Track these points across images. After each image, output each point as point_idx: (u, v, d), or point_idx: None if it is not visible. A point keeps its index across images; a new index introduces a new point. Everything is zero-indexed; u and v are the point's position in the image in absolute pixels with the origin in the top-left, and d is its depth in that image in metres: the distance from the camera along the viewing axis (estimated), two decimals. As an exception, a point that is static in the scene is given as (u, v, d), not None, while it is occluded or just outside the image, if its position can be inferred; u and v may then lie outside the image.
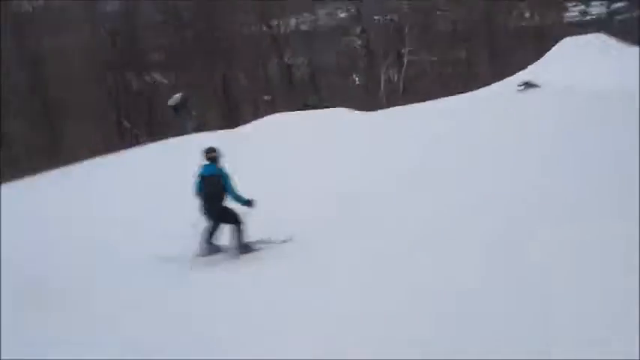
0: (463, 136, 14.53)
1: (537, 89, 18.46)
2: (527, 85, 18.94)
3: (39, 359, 5.04)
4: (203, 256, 9.28)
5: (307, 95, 40.38)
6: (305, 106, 23.68)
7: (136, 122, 36.81)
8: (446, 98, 20.59)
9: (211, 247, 9.39)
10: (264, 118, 20.66)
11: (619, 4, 73.45)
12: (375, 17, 46.44)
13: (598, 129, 13.15)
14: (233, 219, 9.23)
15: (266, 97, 40.36)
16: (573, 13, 73.09)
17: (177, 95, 23.85)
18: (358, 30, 46.57)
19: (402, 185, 11.36)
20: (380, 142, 14.86)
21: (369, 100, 40.44)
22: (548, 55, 36.65)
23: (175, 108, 23.24)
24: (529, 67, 35.67)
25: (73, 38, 38.83)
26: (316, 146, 15.46)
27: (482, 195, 9.72)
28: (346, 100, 33.80)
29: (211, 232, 9.37)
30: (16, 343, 5.94)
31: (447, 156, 12.91)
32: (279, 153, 15.32)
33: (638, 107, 13.79)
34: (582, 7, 76.08)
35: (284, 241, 9.45)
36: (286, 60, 42.46)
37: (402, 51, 42.39)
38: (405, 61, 42.30)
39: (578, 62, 30.61)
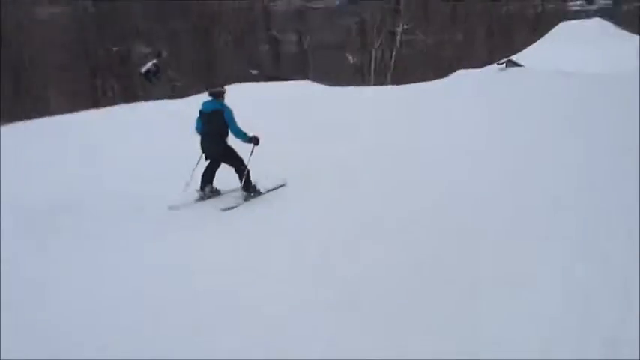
0: (409, 113, 13.72)
1: (519, 69, 16.56)
2: (510, 63, 16.99)
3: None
4: (202, 199, 8.80)
5: (296, 71, 38.83)
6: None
7: (114, 88, 35.12)
8: (429, 81, 18.55)
9: (211, 190, 8.90)
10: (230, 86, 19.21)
11: None
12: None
13: (561, 107, 12.55)
14: (237, 161, 8.73)
15: (253, 71, 38.56)
16: (579, 1, 72.00)
17: (150, 62, 22.52)
18: (353, 8, 44.66)
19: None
20: (329, 113, 13.49)
21: (358, 78, 39.18)
22: (544, 38, 34.87)
23: (146, 75, 21.85)
24: (525, 50, 34.18)
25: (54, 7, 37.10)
26: (273, 112, 14.29)
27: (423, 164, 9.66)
28: (337, 77, 32.44)
29: (211, 174, 8.87)
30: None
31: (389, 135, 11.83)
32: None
33: (621, 88, 13.12)
34: None
35: (280, 186, 9.14)
36: (275, 34, 40.35)
37: (397, 29, 40.32)
38: (398, 40, 40.30)
39: (572, 45, 28.88)
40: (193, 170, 8.74)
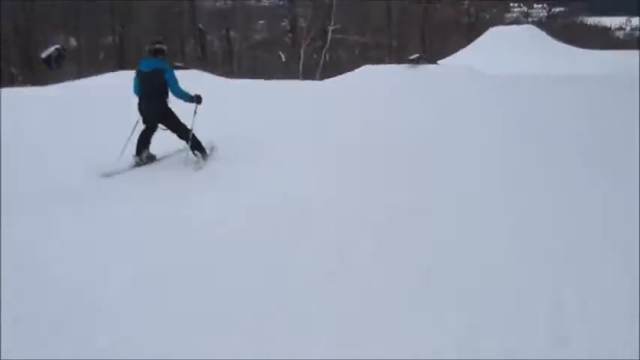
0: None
1: (431, 66, 14.67)
2: (422, 60, 15.03)
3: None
4: (139, 165, 8.19)
5: (223, 66, 36.64)
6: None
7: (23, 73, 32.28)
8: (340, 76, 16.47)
9: (148, 155, 8.34)
10: (115, 73, 17.17)
11: (559, 9, 73.63)
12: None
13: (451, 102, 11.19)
14: (181, 126, 8.21)
15: (178, 64, 35.98)
16: (515, 14, 72.66)
17: (52, 47, 20.38)
18: (288, 7, 43.03)
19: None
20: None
21: (288, 76, 37.42)
22: (474, 43, 33.63)
23: (47, 61, 19.67)
24: (456, 53, 32.98)
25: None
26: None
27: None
28: (266, 74, 30.69)
29: (147, 138, 8.25)
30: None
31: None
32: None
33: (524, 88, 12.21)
34: (524, 9, 76.18)
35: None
36: (201, 27, 37.84)
37: (328, 28, 38.53)
38: (329, 39, 38.47)
39: (500, 50, 27.54)
40: (129, 138, 8.11)
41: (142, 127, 8.21)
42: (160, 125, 8.21)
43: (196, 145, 8.19)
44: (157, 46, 8.17)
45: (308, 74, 37.00)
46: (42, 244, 5.35)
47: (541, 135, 8.95)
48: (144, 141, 8.21)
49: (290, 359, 3.74)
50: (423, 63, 14.86)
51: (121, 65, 34.87)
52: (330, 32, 38.58)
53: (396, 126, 9.79)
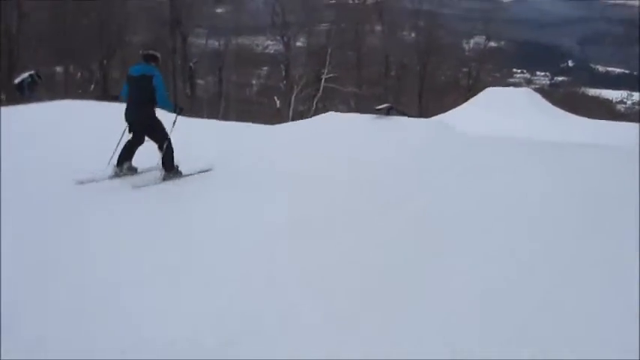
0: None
1: (401, 118, 12.57)
2: (392, 111, 12.89)
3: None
4: (118, 176, 7.92)
5: (211, 110, 34.89)
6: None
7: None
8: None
9: (129, 167, 8.07)
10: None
11: (561, 78, 72.97)
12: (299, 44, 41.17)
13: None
14: (161, 134, 7.91)
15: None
16: (518, 79, 71.70)
17: (25, 74, 18.89)
18: (283, 53, 41.66)
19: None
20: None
21: (280, 122, 35.71)
22: (468, 102, 31.65)
23: (19, 87, 18.08)
24: (449, 112, 31.03)
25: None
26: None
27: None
28: (260, 119, 29.07)
29: (131, 149, 8.01)
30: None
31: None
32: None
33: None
34: (527, 75, 75.69)
35: (205, 171, 8.39)
36: (192, 65, 36.17)
37: (321, 76, 36.96)
38: (322, 87, 36.80)
39: (492, 110, 25.49)
40: (117, 144, 7.99)
41: (128, 136, 7.95)
42: (145, 136, 7.95)
43: (168, 163, 7.91)
44: (150, 52, 7.97)
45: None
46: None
47: (495, 194, 7.21)
48: (127, 152, 7.96)
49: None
50: (394, 114, 12.72)
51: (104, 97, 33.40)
52: (323, 80, 36.81)
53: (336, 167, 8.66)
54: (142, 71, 7.70)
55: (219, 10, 40.08)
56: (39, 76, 20.01)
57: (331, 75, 37.51)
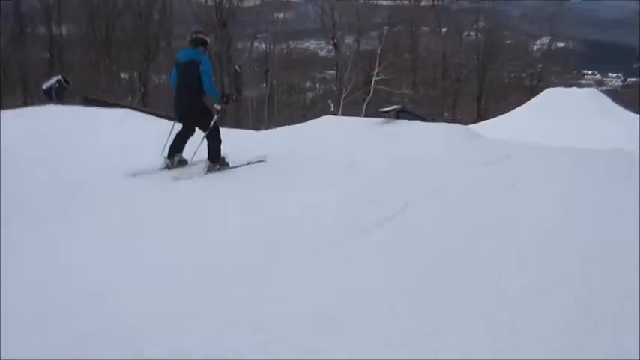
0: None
1: (408, 123, 10.32)
2: (399, 113, 10.66)
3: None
4: (169, 168, 7.43)
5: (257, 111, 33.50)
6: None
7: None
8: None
9: (180, 160, 7.56)
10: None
11: (633, 79, 67.89)
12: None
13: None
14: (208, 123, 7.30)
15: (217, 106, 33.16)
16: (588, 81, 67.42)
17: (53, 79, 17.99)
18: (333, 56, 40.01)
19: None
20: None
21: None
22: (526, 104, 28.68)
23: (48, 92, 17.19)
24: (502, 115, 28.30)
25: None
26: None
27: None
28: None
29: (182, 141, 7.54)
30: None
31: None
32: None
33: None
34: (598, 76, 71.30)
35: (258, 162, 7.82)
36: (237, 68, 34.72)
37: (372, 78, 34.84)
38: (372, 88, 34.65)
39: (551, 113, 22.61)
40: (169, 135, 7.51)
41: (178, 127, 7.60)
42: (195, 127, 7.51)
43: (214, 154, 7.38)
44: (198, 36, 7.43)
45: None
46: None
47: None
48: (177, 144, 7.53)
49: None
50: (405, 117, 10.48)
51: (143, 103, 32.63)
52: (373, 82, 34.61)
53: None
54: (189, 56, 7.21)
55: (266, 14, 38.43)
56: (67, 81, 19.28)
57: (383, 77, 35.09)
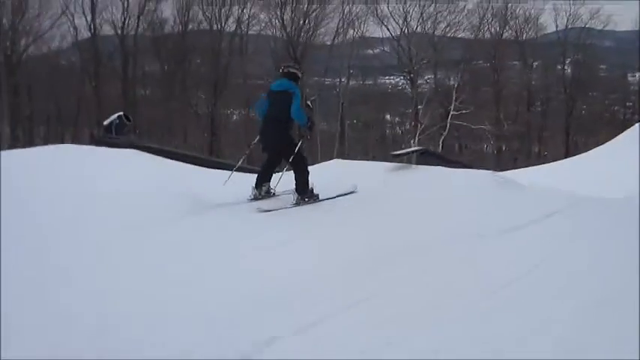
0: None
1: (427, 169, 9.09)
2: (424, 157, 9.42)
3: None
4: (256, 199, 7.35)
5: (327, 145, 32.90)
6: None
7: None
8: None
9: (267, 190, 7.49)
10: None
11: None
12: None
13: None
14: (294, 154, 7.21)
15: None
16: None
17: (114, 115, 18.56)
18: (411, 93, 38.86)
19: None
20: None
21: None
22: (610, 142, 25.91)
23: (108, 128, 17.69)
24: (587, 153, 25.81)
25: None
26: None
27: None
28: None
29: (269, 170, 7.56)
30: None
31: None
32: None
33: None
34: None
35: (350, 192, 7.55)
36: (309, 102, 34.30)
37: (450, 112, 33.51)
38: (448, 123, 33.23)
39: (629, 152, 20.05)
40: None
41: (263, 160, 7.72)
42: (281, 158, 7.46)
43: (302, 186, 7.24)
44: (290, 69, 7.54)
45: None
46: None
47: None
48: (264, 174, 7.53)
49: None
50: (428, 161, 9.20)
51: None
52: (449, 117, 33.18)
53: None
54: (284, 86, 7.24)
55: (343, 49, 38.02)
56: (127, 118, 19.49)
57: (462, 112, 33.54)
